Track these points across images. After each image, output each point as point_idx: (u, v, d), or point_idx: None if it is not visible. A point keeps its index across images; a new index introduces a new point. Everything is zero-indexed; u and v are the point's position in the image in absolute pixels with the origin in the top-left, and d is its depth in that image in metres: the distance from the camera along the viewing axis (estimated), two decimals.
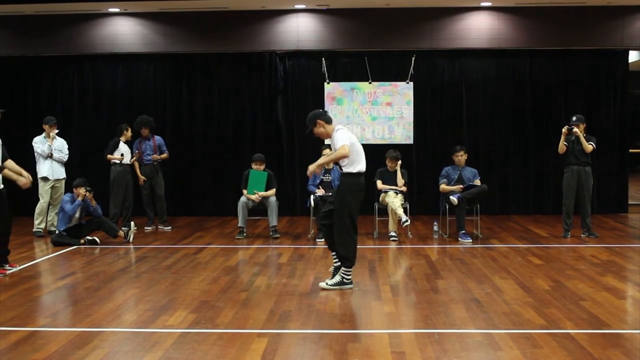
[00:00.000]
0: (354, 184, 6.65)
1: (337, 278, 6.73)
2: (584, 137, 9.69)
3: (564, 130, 9.72)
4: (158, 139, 11.14)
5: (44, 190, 10.42)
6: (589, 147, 9.64)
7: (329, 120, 6.79)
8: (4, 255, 7.68)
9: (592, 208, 10.16)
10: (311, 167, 6.93)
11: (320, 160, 7.20)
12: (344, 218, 6.61)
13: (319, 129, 6.76)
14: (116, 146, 10.65)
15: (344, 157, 6.54)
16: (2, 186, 7.52)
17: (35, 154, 10.48)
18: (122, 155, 10.65)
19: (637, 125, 17.10)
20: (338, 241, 6.64)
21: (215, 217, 12.39)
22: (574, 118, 9.81)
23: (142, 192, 11.02)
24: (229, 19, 12.16)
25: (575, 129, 9.63)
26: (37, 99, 12.88)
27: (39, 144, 10.47)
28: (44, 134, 10.53)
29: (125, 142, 10.79)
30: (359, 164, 6.66)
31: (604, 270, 7.60)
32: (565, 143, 9.75)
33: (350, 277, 6.73)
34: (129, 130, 10.77)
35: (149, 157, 10.94)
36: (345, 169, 6.70)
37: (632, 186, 13.82)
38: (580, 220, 9.96)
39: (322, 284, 6.76)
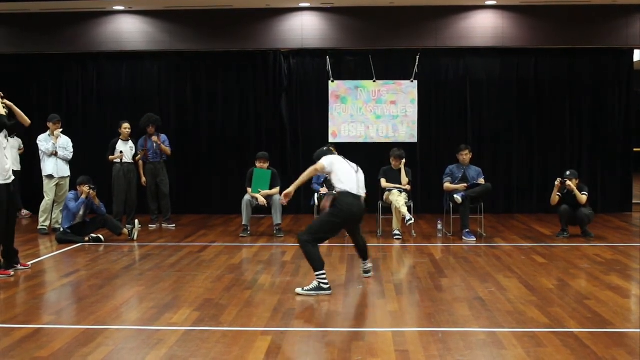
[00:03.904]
0: (338, 202, 6.61)
1: (314, 283, 6.50)
2: (577, 185, 9.57)
3: (557, 182, 9.66)
4: (163, 136, 11.15)
5: (48, 188, 10.45)
6: (583, 198, 9.51)
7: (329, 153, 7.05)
8: (14, 254, 7.66)
9: (595, 209, 10.09)
10: (289, 191, 6.90)
11: (297, 182, 6.91)
12: (312, 228, 6.62)
13: None
14: (114, 146, 10.76)
15: (316, 170, 6.77)
16: (13, 177, 7.49)
17: (40, 152, 10.50)
18: (121, 152, 10.68)
19: None
20: (302, 250, 6.58)
21: (220, 215, 12.39)
22: (567, 172, 9.72)
23: (147, 191, 11.04)
24: (234, 17, 12.18)
25: (568, 182, 9.54)
26: (42, 96, 12.89)
27: (43, 142, 10.49)
28: (48, 132, 10.55)
29: (126, 140, 10.82)
30: (340, 183, 6.64)
31: (607, 269, 7.58)
32: (558, 194, 9.67)
33: (326, 280, 6.49)
34: (122, 126, 10.82)
35: (155, 155, 10.96)
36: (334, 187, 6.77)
37: (637, 185, 13.80)
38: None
39: (298, 290, 6.51)
